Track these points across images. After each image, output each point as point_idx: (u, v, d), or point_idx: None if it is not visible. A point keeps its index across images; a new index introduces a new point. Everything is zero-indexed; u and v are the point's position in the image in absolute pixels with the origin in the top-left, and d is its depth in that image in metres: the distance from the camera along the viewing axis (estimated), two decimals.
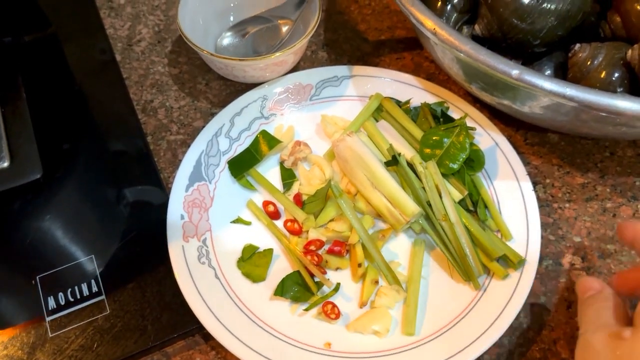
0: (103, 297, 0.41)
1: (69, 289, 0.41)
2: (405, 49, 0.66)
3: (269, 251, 0.51)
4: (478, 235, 0.50)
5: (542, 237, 0.51)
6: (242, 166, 0.56)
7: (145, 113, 0.59)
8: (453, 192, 0.52)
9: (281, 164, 0.57)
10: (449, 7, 0.57)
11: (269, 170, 0.57)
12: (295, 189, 0.55)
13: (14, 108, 0.45)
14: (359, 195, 0.53)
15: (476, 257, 0.49)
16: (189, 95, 0.61)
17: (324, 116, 0.59)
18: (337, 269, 0.51)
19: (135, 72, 0.62)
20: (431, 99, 0.59)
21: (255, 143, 0.57)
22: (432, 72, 0.64)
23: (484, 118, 0.57)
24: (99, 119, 0.56)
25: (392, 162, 0.52)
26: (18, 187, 0.38)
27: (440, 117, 0.56)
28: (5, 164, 0.41)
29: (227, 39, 0.62)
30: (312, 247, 0.50)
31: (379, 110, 0.59)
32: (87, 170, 0.51)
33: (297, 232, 0.52)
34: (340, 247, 0.50)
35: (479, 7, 0.53)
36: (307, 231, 0.51)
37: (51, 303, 0.40)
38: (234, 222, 0.53)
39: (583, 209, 0.55)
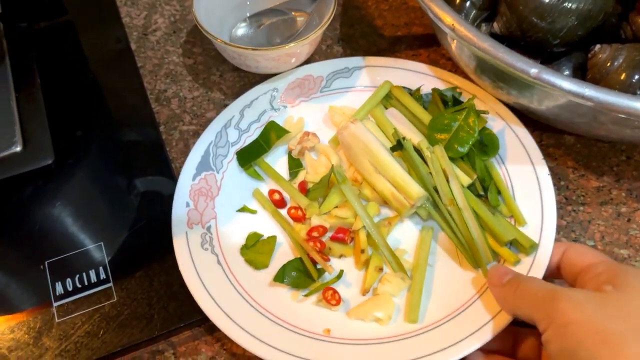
0: (111, 284, 0.42)
1: (77, 275, 0.42)
2: (421, 46, 0.66)
3: (272, 238, 0.52)
4: (487, 220, 0.48)
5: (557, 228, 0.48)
6: (250, 156, 0.57)
7: (158, 102, 0.60)
8: (461, 176, 0.51)
9: (289, 153, 0.58)
10: (467, 4, 0.57)
11: (277, 160, 0.57)
12: (301, 177, 0.55)
13: (28, 94, 0.46)
14: (364, 183, 0.53)
15: (485, 242, 0.48)
16: (202, 86, 0.62)
17: (332, 107, 0.59)
18: (341, 256, 0.50)
19: (149, 62, 0.63)
20: (443, 87, 0.58)
21: (264, 133, 0.58)
22: (449, 70, 0.63)
23: (496, 102, 0.56)
24: (113, 107, 0.57)
25: (397, 146, 0.52)
26: (30, 172, 0.39)
27: (450, 102, 0.55)
28: (18, 149, 0.41)
29: (241, 30, 0.63)
30: (315, 234, 0.50)
31: (389, 98, 0.58)
32: (99, 157, 0.52)
33: (300, 219, 0.52)
34: (344, 234, 0.50)
35: (498, 5, 0.52)
36: (311, 218, 0.51)
37: (59, 289, 0.40)
38: (239, 210, 0.54)
39: (597, 212, 0.53)
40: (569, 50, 0.52)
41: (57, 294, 0.39)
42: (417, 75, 0.60)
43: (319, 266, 0.49)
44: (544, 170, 0.51)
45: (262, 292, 0.48)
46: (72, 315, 0.38)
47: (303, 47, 0.58)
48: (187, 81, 0.62)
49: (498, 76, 0.51)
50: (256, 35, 0.63)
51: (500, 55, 0.46)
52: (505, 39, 0.52)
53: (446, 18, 0.48)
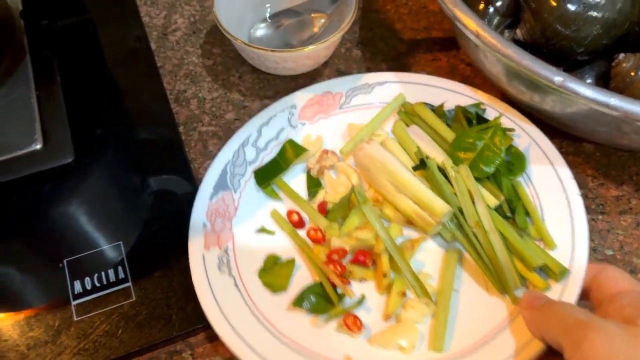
0: (129, 284, 0.41)
1: (96, 274, 0.41)
2: (441, 50, 0.65)
3: (291, 261, 0.50)
4: (515, 243, 0.47)
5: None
6: (268, 175, 0.56)
7: (178, 103, 0.60)
8: (487, 198, 0.49)
9: (308, 172, 0.57)
10: (491, 10, 0.56)
11: (295, 178, 0.56)
12: (320, 197, 0.54)
13: (49, 91, 0.45)
14: (385, 203, 0.52)
15: (512, 267, 0.46)
16: (221, 87, 0.62)
17: (351, 124, 0.58)
18: (361, 279, 0.49)
19: (169, 62, 0.63)
20: (466, 102, 0.57)
21: (282, 152, 0.57)
22: (468, 75, 0.62)
23: (523, 117, 0.54)
24: (132, 106, 0.56)
25: (420, 165, 0.50)
26: (49, 170, 0.39)
27: (474, 119, 0.54)
28: (38, 146, 0.41)
29: (260, 30, 0.62)
30: (335, 256, 0.49)
31: (411, 115, 0.57)
32: (118, 156, 0.52)
33: (319, 241, 0.51)
34: (365, 257, 0.49)
35: (521, 12, 0.52)
36: (330, 240, 0.50)
37: (77, 287, 0.40)
38: (257, 231, 0.53)
39: (616, 222, 0.52)
40: (592, 58, 0.52)
41: (76, 292, 0.39)
42: (440, 91, 0.59)
43: (339, 290, 0.48)
44: (574, 191, 0.49)
45: (280, 316, 0.47)
46: (91, 314, 0.38)
47: (322, 49, 0.58)
48: (207, 82, 0.62)
49: (521, 82, 0.50)
50: (275, 36, 0.63)
51: (525, 63, 0.45)
52: (528, 45, 0.51)
53: (471, 24, 0.47)
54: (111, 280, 0.41)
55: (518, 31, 0.53)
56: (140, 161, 0.49)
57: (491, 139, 0.50)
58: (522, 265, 0.46)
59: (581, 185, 0.54)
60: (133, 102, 0.57)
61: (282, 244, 0.52)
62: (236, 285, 0.49)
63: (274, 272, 0.50)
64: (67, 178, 0.37)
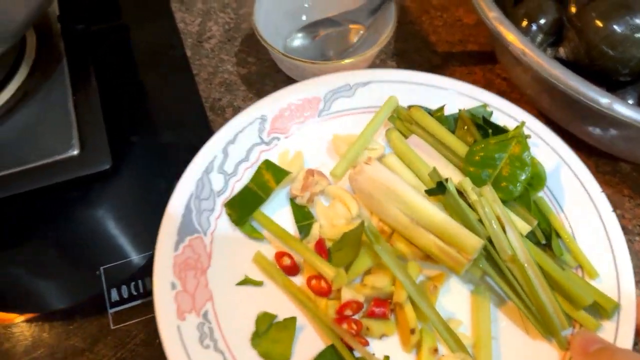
0: None
1: (132, 282, 0.40)
2: (476, 64, 0.62)
3: (291, 321, 0.41)
4: (557, 277, 0.41)
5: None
6: (244, 208, 0.45)
7: (213, 111, 0.57)
8: (518, 224, 0.42)
9: (292, 200, 0.47)
10: (534, 27, 0.53)
11: (278, 210, 0.46)
12: (315, 233, 0.44)
13: (85, 96, 0.43)
14: (396, 236, 0.43)
15: (557, 306, 0.40)
16: (256, 96, 0.58)
17: (336, 136, 0.49)
18: (382, 336, 0.41)
19: (204, 70, 0.60)
20: (469, 104, 0.49)
21: (257, 177, 0.47)
22: (504, 90, 0.59)
23: (539, 123, 0.48)
24: (168, 113, 0.55)
25: (438, 189, 0.42)
26: (86, 176, 0.37)
27: (485, 126, 0.47)
28: (75, 152, 0.40)
29: (297, 40, 0.59)
30: (348, 312, 0.40)
31: (407, 122, 0.49)
32: (155, 164, 0.51)
33: (325, 293, 0.41)
34: (384, 308, 0.40)
35: (565, 30, 0.51)
36: (339, 290, 0.41)
37: (114, 295, 0.39)
38: (240, 284, 0.43)
39: None
40: (634, 79, 0.49)
41: (112, 300, 0.38)
42: (434, 92, 0.51)
43: (356, 354, 0.39)
44: (607, 208, 0.44)
45: None
46: (128, 323, 0.37)
47: (360, 62, 0.54)
48: (241, 90, 0.59)
49: (564, 102, 0.46)
50: (311, 46, 0.60)
51: (572, 84, 0.42)
52: (570, 64, 0.48)
53: (516, 42, 0.45)
54: (148, 289, 0.40)
55: (561, 49, 0.50)
56: (176, 169, 0.45)
57: (515, 151, 0.43)
58: (565, 302, 0.40)
59: (618, 205, 0.51)
60: (169, 109, 0.56)
61: (274, 298, 0.42)
62: None
63: (270, 337, 0.40)
64: (103, 185, 0.35)
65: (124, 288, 0.40)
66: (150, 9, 0.56)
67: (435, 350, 0.40)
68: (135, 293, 0.40)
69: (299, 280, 0.43)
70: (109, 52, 0.50)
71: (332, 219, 0.45)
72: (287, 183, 0.47)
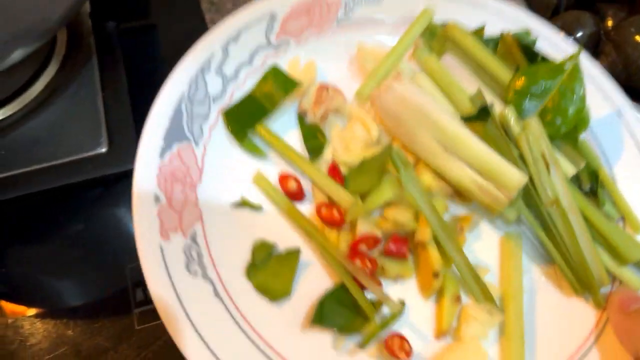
0: None
1: None
2: None
3: (294, 253, 0.35)
4: (602, 229, 0.36)
5: None
6: (245, 120, 0.39)
7: None
8: (563, 164, 0.37)
9: (300, 118, 0.40)
10: (571, 40, 0.48)
11: (283, 129, 0.40)
12: (327, 156, 0.38)
13: (115, 94, 0.42)
14: (422, 167, 0.38)
15: (599, 259, 0.35)
16: None
17: (362, 47, 0.42)
18: (397, 277, 0.36)
19: None
20: (508, 29, 0.43)
21: (262, 85, 0.40)
22: None
23: (588, 59, 0.43)
24: None
25: (480, 115, 0.37)
26: (114, 174, 0.36)
27: (532, 52, 0.41)
28: (103, 150, 0.39)
29: None
30: (363, 247, 0.35)
31: (442, 41, 0.43)
32: None
33: (337, 223, 0.36)
34: (403, 246, 0.35)
35: (602, 44, 0.50)
36: (353, 222, 0.36)
37: (139, 295, 0.38)
38: (236, 206, 0.37)
39: None
40: None
41: (137, 300, 0.38)
42: (471, 10, 0.45)
43: (369, 295, 0.34)
44: None
45: (289, 339, 0.33)
46: (152, 324, 0.37)
47: None
48: None
49: None
50: None
51: None
52: None
53: None
54: None
55: (598, 63, 0.45)
56: None
57: (569, 81, 0.38)
58: (608, 257, 0.36)
59: None
60: None
61: (274, 226, 0.37)
62: (216, 293, 0.33)
63: (269, 269, 0.35)
64: (131, 183, 0.33)
65: None
66: (180, 8, 0.53)
67: (458, 299, 0.35)
68: None
69: (305, 208, 0.37)
70: (138, 51, 0.49)
71: (349, 142, 0.39)
72: (296, 98, 0.41)
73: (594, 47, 0.51)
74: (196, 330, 0.31)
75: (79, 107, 0.41)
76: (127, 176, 0.36)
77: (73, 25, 0.44)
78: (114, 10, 0.47)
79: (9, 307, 0.37)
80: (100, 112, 0.40)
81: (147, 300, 0.37)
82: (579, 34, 0.50)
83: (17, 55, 0.34)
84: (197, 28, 0.46)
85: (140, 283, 0.38)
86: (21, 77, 0.40)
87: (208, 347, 0.31)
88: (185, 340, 0.31)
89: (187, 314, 0.32)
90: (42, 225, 0.40)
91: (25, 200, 0.38)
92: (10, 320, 0.36)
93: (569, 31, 0.50)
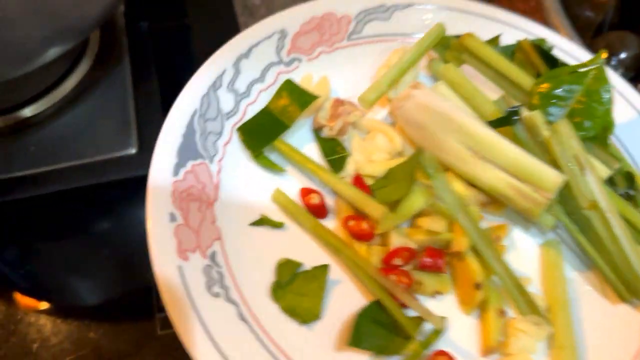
0: None
1: None
2: None
3: (321, 269, 0.33)
4: None
5: None
6: (261, 135, 0.37)
7: None
8: (597, 167, 0.36)
9: (316, 133, 0.39)
10: (614, 61, 0.50)
11: (298, 144, 0.38)
12: (350, 169, 0.37)
13: (146, 94, 0.42)
14: (450, 176, 0.36)
15: None
16: None
17: (384, 64, 0.42)
18: (434, 293, 0.33)
19: None
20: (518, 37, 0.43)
21: (277, 99, 0.39)
22: None
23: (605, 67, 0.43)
24: None
25: (508, 118, 0.36)
26: (143, 176, 0.34)
27: (552, 58, 0.41)
28: (133, 151, 0.39)
29: None
30: (397, 261, 0.33)
31: (456, 52, 0.42)
32: None
33: (366, 237, 0.34)
34: (439, 259, 0.33)
35: None
36: (382, 236, 0.34)
37: None
38: (254, 224, 0.35)
39: None
40: None
41: (161, 305, 0.34)
42: (483, 23, 0.44)
43: (409, 313, 0.32)
44: None
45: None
46: (174, 329, 0.33)
47: None
48: None
49: None
50: None
51: None
52: None
53: None
54: None
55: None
56: None
57: (595, 84, 0.37)
58: None
59: None
60: None
61: (298, 244, 0.35)
62: (242, 317, 0.31)
63: (295, 288, 0.32)
64: None
65: None
66: (214, 11, 0.53)
67: (502, 312, 0.33)
68: None
69: (328, 224, 0.35)
70: (170, 51, 0.49)
71: (371, 153, 0.37)
72: (309, 114, 0.40)
73: (639, 69, 0.49)
74: (222, 354, 0.28)
75: (109, 107, 0.40)
76: None
77: (107, 24, 0.44)
78: (148, 10, 0.47)
79: (32, 304, 0.36)
80: (131, 113, 0.40)
81: None
82: (623, 55, 0.49)
83: (53, 53, 0.33)
84: (229, 31, 0.45)
85: None
86: (53, 74, 0.40)
87: None
88: None
89: (212, 340, 0.29)
90: (67, 224, 0.39)
91: (52, 197, 0.38)
92: (33, 319, 0.35)
93: (612, 52, 0.49)
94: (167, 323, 0.33)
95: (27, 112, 0.39)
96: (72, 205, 0.40)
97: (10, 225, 0.39)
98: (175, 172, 0.34)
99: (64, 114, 0.39)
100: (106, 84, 0.41)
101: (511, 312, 0.33)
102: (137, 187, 0.34)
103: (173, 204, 0.33)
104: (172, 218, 0.32)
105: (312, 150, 0.39)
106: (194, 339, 0.29)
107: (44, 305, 0.36)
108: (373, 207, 0.33)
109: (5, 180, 0.37)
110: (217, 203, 0.34)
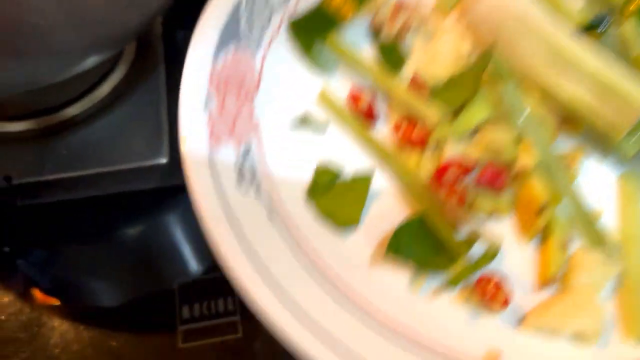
0: (237, 317, 0.39)
1: (205, 302, 0.40)
2: None
3: (364, 178, 0.30)
4: None
5: None
6: (314, 30, 0.34)
7: None
8: None
9: (374, 35, 0.36)
10: None
11: (352, 45, 0.35)
12: (409, 70, 0.33)
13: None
14: (524, 86, 0.32)
15: None
16: None
17: None
18: (491, 214, 0.30)
19: None
20: None
21: None
22: None
23: None
24: None
25: (597, 25, 0.31)
26: (172, 186, 0.37)
27: None
28: (164, 161, 0.39)
29: None
30: (451, 175, 0.29)
31: None
32: None
33: (418, 144, 0.30)
34: (500, 176, 0.29)
35: None
36: (439, 143, 0.30)
37: (185, 312, 0.39)
38: (297, 123, 0.32)
39: None
40: None
41: (183, 317, 0.38)
42: None
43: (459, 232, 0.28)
44: None
45: (357, 274, 0.28)
46: (196, 343, 0.37)
47: None
48: None
49: None
50: None
51: None
52: None
53: None
54: (219, 311, 0.40)
55: None
56: None
57: None
58: None
59: None
60: None
61: (341, 149, 0.32)
62: (272, 217, 0.28)
63: (335, 194, 0.30)
64: (186, 197, 0.31)
65: (196, 306, 0.40)
66: None
67: (565, 245, 0.29)
68: (206, 312, 0.40)
69: (377, 131, 0.32)
70: None
71: (434, 55, 0.33)
72: (368, 13, 0.36)
73: None
74: (247, 258, 0.26)
75: (142, 115, 0.41)
76: (183, 191, 0.33)
77: (146, 30, 0.45)
78: (186, 19, 0.47)
79: (55, 308, 0.36)
80: (164, 122, 0.40)
81: (193, 318, 0.38)
82: None
83: (92, 61, 0.33)
84: None
85: (188, 300, 0.38)
86: (88, 79, 0.40)
87: (261, 276, 0.26)
88: (236, 266, 0.26)
89: (235, 237, 0.27)
90: (93, 230, 0.40)
91: (79, 202, 0.39)
92: (56, 323, 0.36)
93: None
94: (189, 337, 0.37)
95: (62, 115, 0.39)
96: (99, 211, 0.40)
97: (37, 228, 0.39)
98: (215, 55, 0.31)
99: (97, 120, 0.40)
100: (140, 92, 0.41)
101: (575, 246, 0.29)
102: (166, 195, 0.36)
103: (209, 83, 0.30)
104: (208, 99, 0.30)
105: (367, 53, 0.35)
106: (220, 236, 0.26)
107: (67, 310, 0.37)
108: (429, 112, 0.30)
109: (36, 183, 0.37)
110: (258, 96, 0.32)
